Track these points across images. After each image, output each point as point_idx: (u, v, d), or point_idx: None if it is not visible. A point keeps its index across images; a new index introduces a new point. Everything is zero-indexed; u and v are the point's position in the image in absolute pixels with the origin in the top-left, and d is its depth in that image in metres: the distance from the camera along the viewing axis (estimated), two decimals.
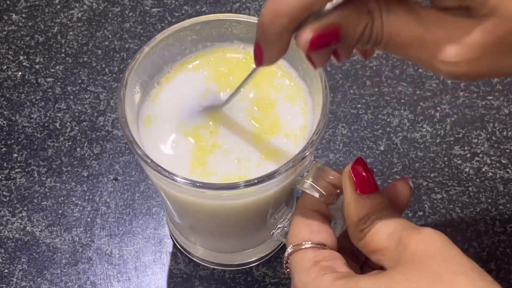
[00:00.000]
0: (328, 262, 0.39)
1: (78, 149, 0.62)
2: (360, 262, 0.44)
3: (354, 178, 0.40)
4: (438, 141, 0.61)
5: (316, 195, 0.42)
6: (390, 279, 0.36)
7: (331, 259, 0.40)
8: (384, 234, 0.38)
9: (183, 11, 0.70)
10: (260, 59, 0.38)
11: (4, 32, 0.68)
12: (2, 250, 0.57)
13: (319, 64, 0.39)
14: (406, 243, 0.37)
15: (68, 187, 0.60)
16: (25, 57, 0.67)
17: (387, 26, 0.35)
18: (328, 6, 0.34)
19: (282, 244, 0.57)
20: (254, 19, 0.47)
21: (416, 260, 0.36)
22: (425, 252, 0.36)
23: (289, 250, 0.41)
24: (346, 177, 0.40)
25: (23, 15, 0.70)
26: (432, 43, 0.34)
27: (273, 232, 0.49)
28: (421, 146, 0.61)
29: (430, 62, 0.35)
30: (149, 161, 0.41)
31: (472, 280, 0.35)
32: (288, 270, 0.42)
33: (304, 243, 0.41)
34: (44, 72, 0.66)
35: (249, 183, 0.40)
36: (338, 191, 0.42)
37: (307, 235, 0.41)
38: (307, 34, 0.35)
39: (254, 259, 0.56)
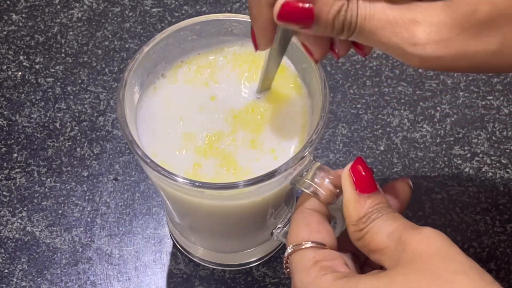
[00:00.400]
0: (328, 262, 0.39)
1: (78, 149, 0.62)
2: (360, 262, 0.44)
3: (354, 178, 0.40)
4: (438, 141, 0.61)
5: (316, 194, 0.42)
6: (390, 279, 0.36)
7: (331, 259, 0.40)
8: (384, 233, 0.38)
9: (183, 11, 0.70)
10: (254, 43, 0.40)
11: (4, 32, 0.68)
12: (2, 250, 0.57)
13: (315, 53, 0.40)
14: (406, 243, 0.37)
15: (68, 187, 0.60)
16: (25, 57, 0.67)
17: (362, 9, 0.35)
18: None
19: (282, 244, 0.57)
20: None
21: (416, 260, 0.36)
22: (425, 251, 0.36)
23: (289, 250, 0.41)
24: (346, 177, 0.40)
25: (23, 15, 0.70)
26: (402, 26, 0.35)
27: (273, 232, 0.49)
28: (421, 146, 0.61)
29: (401, 46, 0.35)
30: (149, 161, 0.41)
31: (472, 280, 0.35)
32: (288, 270, 0.42)
33: (304, 243, 0.41)
34: (44, 72, 0.66)
35: (248, 183, 0.40)
36: (338, 190, 0.42)
37: (306, 235, 0.41)
38: (279, 1, 0.36)
39: (254, 259, 0.56)
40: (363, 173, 0.40)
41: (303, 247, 0.41)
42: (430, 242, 0.36)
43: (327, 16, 0.36)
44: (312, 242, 0.41)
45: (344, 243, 0.43)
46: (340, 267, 0.39)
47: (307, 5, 0.35)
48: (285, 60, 0.47)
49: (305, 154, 0.41)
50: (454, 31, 0.34)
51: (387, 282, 0.36)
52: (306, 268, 0.40)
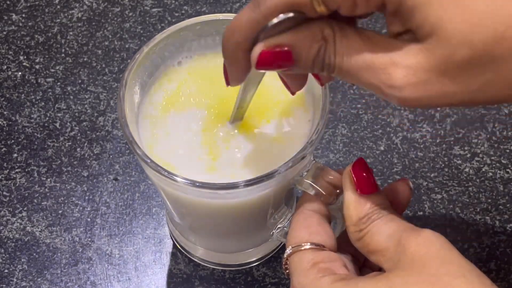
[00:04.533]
0: (327, 263, 0.39)
1: (78, 149, 0.62)
2: (359, 263, 0.44)
3: (355, 178, 0.40)
4: (438, 141, 0.61)
5: (316, 195, 0.42)
6: (388, 282, 0.36)
7: (329, 261, 0.40)
8: (383, 235, 0.38)
9: (183, 11, 0.70)
10: (226, 78, 0.40)
11: (4, 32, 0.68)
12: (2, 250, 0.57)
13: (293, 87, 0.40)
14: (406, 245, 0.37)
15: (68, 187, 0.60)
16: (25, 57, 0.67)
17: (340, 50, 0.35)
18: (275, 20, 0.35)
19: (282, 244, 0.57)
20: None
21: (415, 262, 0.36)
22: (424, 254, 0.36)
23: (288, 251, 0.41)
24: (347, 177, 0.40)
25: (23, 15, 0.70)
26: (380, 68, 0.34)
27: (273, 232, 0.49)
28: (421, 146, 0.61)
29: (380, 87, 0.34)
30: (149, 161, 0.41)
31: (470, 283, 0.35)
32: (287, 271, 0.42)
33: (303, 244, 0.41)
34: (44, 72, 0.66)
35: (248, 183, 0.40)
36: (338, 191, 0.42)
37: (306, 236, 0.41)
38: (256, 50, 0.35)
39: (254, 259, 0.56)
40: (364, 174, 0.40)
41: (302, 248, 0.41)
42: (430, 244, 0.36)
43: (306, 59, 0.35)
44: (311, 243, 0.41)
45: (344, 244, 0.43)
46: (338, 269, 0.39)
47: (285, 49, 0.35)
48: None
49: (305, 154, 0.41)
50: (432, 73, 0.33)
51: (386, 284, 0.36)
52: (304, 269, 0.39)
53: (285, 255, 0.42)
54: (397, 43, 0.34)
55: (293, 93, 0.41)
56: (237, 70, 0.38)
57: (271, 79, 0.45)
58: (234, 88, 0.45)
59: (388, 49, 0.34)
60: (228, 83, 0.40)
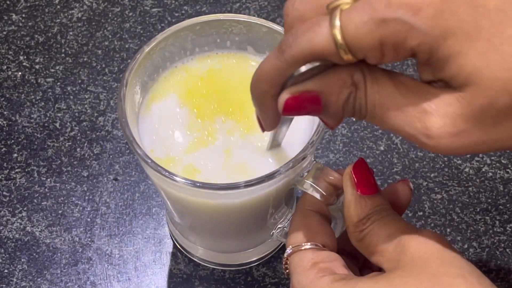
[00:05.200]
0: (327, 263, 0.39)
1: (78, 149, 0.62)
2: (359, 263, 0.44)
3: (355, 179, 0.40)
4: None
5: (316, 195, 0.42)
6: (388, 282, 0.36)
7: (330, 261, 0.40)
8: (383, 235, 0.38)
9: (183, 11, 0.70)
10: (260, 125, 0.39)
11: (4, 32, 0.68)
12: (2, 250, 0.57)
13: (330, 124, 0.38)
14: (405, 245, 0.37)
15: (68, 187, 0.60)
16: (25, 57, 0.67)
17: (371, 96, 0.34)
18: (303, 68, 0.33)
19: (282, 244, 0.57)
20: (254, 19, 0.47)
21: (415, 263, 0.36)
22: (424, 254, 0.36)
23: (288, 251, 0.41)
24: (347, 178, 0.40)
25: (23, 15, 0.70)
26: (414, 116, 0.33)
27: (273, 232, 0.49)
28: None
29: (415, 136, 0.33)
30: (150, 161, 0.41)
31: (470, 283, 0.34)
32: (287, 271, 0.42)
33: (303, 244, 0.41)
34: (44, 72, 0.66)
35: (249, 183, 0.40)
36: (339, 191, 0.42)
37: (306, 236, 0.41)
38: (283, 97, 0.35)
39: (254, 259, 0.56)
40: (365, 175, 0.40)
41: (302, 248, 0.41)
42: (430, 245, 0.36)
43: (336, 105, 0.34)
44: (312, 243, 0.41)
45: (344, 244, 0.43)
46: (338, 269, 0.39)
47: (312, 95, 0.34)
48: None
49: (306, 154, 0.41)
50: (471, 123, 0.32)
51: (386, 285, 0.36)
52: (304, 269, 0.40)
53: (285, 255, 0.42)
54: (432, 90, 0.33)
55: (331, 128, 0.39)
56: (268, 117, 0.37)
57: None
58: (234, 86, 0.45)
59: (423, 96, 0.33)
60: (263, 130, 0.39)
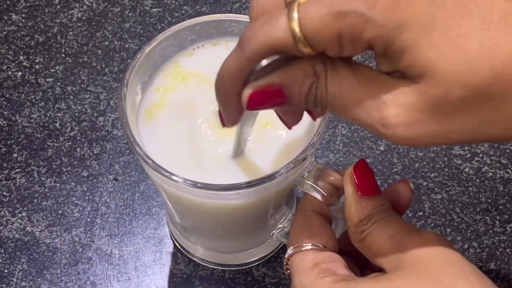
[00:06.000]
0: (328, 264, 0.39)
1: (78, 149, 0.62)
2: (360, 264, 0.44)
3: (356, 180, 0.40)
4: None
5: (317, 196, 0.42)
6: (390, 283, 0.36)
7: (331, 261, 0.40)
8: (384, 236, 0.38)
9: (183, 11, 0.70)
10: (221, 121, 0.39)
11: (4, 32, 0.68)
12: (2, 250, 0.57)
13: (290, 123, 0.39)
14: (407, 246, 0.37)
15: (68, 187, 0.60)
16: (25, 57, 0.67)
17: (331, 87, 0.34)
18: (264, 62, 0.34)
19: (282, 244, 0.57)
20: None
21: (416, 264, 0.36)
22: (426, 255, 0.36)
23: (289, 251, 0.41)
24: (348, 179, 0.40)
25: (23, 15, 0.70)
26: (372, 106, 0.33)
27: (273, 233, 0.49)
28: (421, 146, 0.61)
29: (373, 125, 0.33)
30: (150, 161, 0.41)
31: (472, 284, 0.34)
32: (288, 271, 0.42)
33: (304, 245, 0.41)
34: (44, 72, 0.66)
35: (250, 184, 0.40)
36: (339, 192, 0.42)
37: (307, 237, 0.41)
38: (246, 92, 0.35)
39: (254, 259, 0.56)
40: (365, 175, 0.40)
41: (303, 249, 0.41)
42: (431, 246, 0.36)
43: (299, 96, 0.34)
44: (313, 244, 0.41)
45: (345, 245, 0.43)
46: (339, 269, 0.39)
47: (275, 88, 0.34)
48: None
49: (307, 155, 0.41)
50: (426, 113, 0.32)
51: (387, 286, 0.36)
52: (305, 270, 0.39)
53: (286, 256, 0.42)
54: (390, 80, 0.33)
55: (289, 128, 0.40)
56: (231, 113, 0.37)
57: None
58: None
59: (381, 87, 0.33)
60: (223, 125, 0.39)
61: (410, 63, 0.31)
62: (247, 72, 0.34)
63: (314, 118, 0.40)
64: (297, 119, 0.39)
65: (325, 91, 0.34)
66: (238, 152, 0.44)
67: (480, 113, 0.32)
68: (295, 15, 0.32)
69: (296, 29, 0.32)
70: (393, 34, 0.31)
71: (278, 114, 0.40)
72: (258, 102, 0.35)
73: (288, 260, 0.41)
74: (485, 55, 0.30)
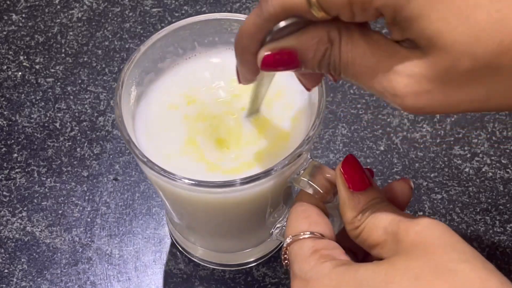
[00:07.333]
0: (328, 250, 0.39)
1: (78, 149, 0.62)
2: (359, 259, 0.44)
3: (345, 176, 0.40)
4: (438, 141, 0.61)
5: (313, 192, 0.42)
6: (391, 266, 0.35)
7: (330, 248, 0.39)
8: (380, 228, 0.38)
9: (183, 11, 0.70)
10: (238, 77, 0.41)
11: (4, 32, 0.69)
12: (2, 250, 0.57)
13: (307, 84, 0.41)
14: (404, 234, 0.36)
15: (68, 187, 0.60)
16: (25, 57, 0.67)
17: (344, 54, 0.35)
18: (282, 24, 0.35)
19: (281, 244, 0.57)
20: None
21: (417, 248, 0.35)
22: (425, 241, 0.35)
23: (287, 240, 0.41)
24: (338, 176, 0.40)
25: (23, 15, 0.70)
26: (382, 74, 0.34)
27: (272, 232, 0.49)
28: (421, 146, 0.61)
29: (383, 93, 0.34)
30: (146, 160, 0.41)
31: (475, 268, 0.34)
32: (286, 261, 0.42)
33: (302, 233, 0.41)
34: (44, 72, 0.66)
35: (245, 181, 0.40)
36: (335, 189, 0.42)
37: (306, 226, 0.41)
38: (261, 53, 0.36)
39: (254, 259, 0.56)
40: (354, 171, 0.40)
41: (301, 237, 0.40)
42: (430, 232, 0.36)
43: (312, 61, 0.36)
44: (311, 232, 0.41)
45: (343, 241, 0.42)
46: (339, 255, 0.39)
47: (288, 52, 0.35)
48: None
49: (302, 151, 0.41)
50: (434, 83, 0.33)
51: (388, 269, 0.35)
52: (305, 256, 0.39)
53: (284, 245, 0.41)
54: (401, 50, 0.34)
55: (308, 90, 0.42)
56: (247, 71, 0.39)
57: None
58: (235, 87, 0.45)
59: (392, 56, 0.34)
60: (240, 81, 0.41)
61: (419, 33, 0.32)
62: (264, 32, 0.36)
63: (335, 80, 0.40)
64: (316, 81, 0.40)
65: (338, 57, 0.35)
66: (252, 110, 0.46)
67: (488, 84, 0.32)
68: None
69: None
70: (401, 3, 0.32)
71: (296, 76, 0.41)
72: (272, 64, 0.36)
73: (286, 249, 0.41)
74: (494, 27, 0.31)
